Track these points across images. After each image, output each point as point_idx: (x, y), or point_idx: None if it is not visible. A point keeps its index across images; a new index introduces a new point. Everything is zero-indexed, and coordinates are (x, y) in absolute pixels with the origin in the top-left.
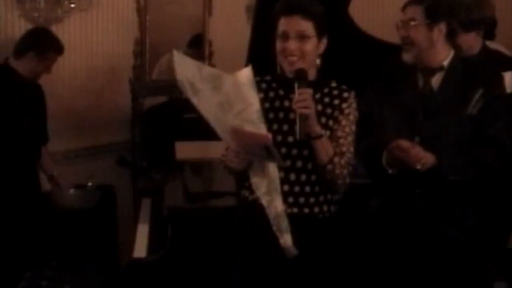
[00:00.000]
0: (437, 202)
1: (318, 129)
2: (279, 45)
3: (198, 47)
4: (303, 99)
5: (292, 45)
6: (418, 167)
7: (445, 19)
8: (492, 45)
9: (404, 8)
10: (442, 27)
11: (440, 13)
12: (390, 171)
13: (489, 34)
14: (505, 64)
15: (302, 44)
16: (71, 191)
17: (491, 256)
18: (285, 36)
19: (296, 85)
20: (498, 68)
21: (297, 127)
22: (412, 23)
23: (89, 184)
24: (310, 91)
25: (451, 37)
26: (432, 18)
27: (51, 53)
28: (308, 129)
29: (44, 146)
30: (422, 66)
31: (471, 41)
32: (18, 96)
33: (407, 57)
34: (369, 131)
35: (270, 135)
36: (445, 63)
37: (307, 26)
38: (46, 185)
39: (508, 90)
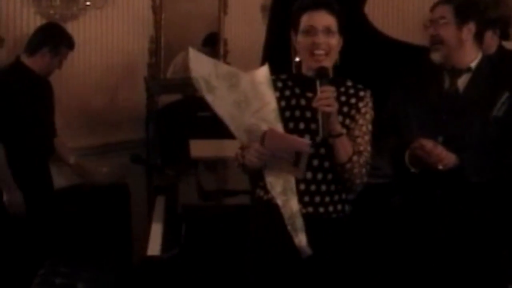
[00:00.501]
0: (459, 203)
1: (339, 128)
2: (304, 40)
3: (212, 45)
4: (326, 97)
5: (321, 39)
6: (440, 167)
7: (475, 19)
8: (508, 45)
9: (433, 8)
10: (471, 27)
11: (470, 13)
12: (412, 170)
13: (504, 34)
14: None
15: (329, 38)
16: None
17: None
18: (313, 31)
19: (318, 83)
20: None
21: (320, 125)
22: (442, 21)
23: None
24: (332, 89)
25: (479, 37)
26: (462, 17)
27: (64, 48)
28: (330, 127)
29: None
30: (449, 66)
31: (488, 40)
32: (31, 92)
33: (435, 56)
34: (394, 130)
35: (310, 142)
36: (473, 64)
37: (333, 21)
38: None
39: None
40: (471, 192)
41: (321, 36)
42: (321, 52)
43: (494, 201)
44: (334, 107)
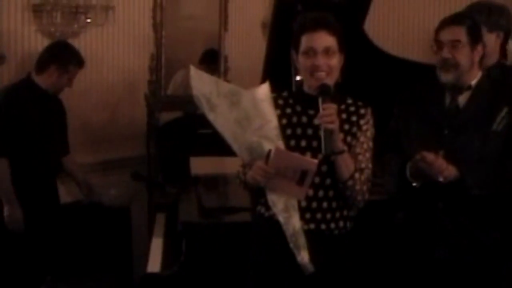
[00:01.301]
0: (460, 216)
1: (341, 145)
2: (305, 61)
3: (210, 62)
4: (328, 114)
5: (321, 60)
6: (441, 179)
7: (481, 41)
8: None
9: (441, 29)
10: (480, 48)
11: (479, 34)
12: (414, 184)
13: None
14: None
15: (329, 59)
16: (112, 191)
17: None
18: (313, 52)
19: (320, 100)
20: None
21: (322, 143)
22: (457, 45)
23: (112, 192)
24: (335, 106)
25: (482, 57)
26: (474, 39)
27: (72, 66)
28: (332, 145)
29: (65, 157)
30: (456, 86)
31: (492, 43)
32: (40, 109)
33: (448, 77)
34: (395, 146)
35: (317, 162)
36: (473, 82)
37: (333, 42)
38: (64, 197)
39: None
40: (472, 205)
41: (320, 58)
42: (322, 73)
43: (495, 214)
44: (337, 124)
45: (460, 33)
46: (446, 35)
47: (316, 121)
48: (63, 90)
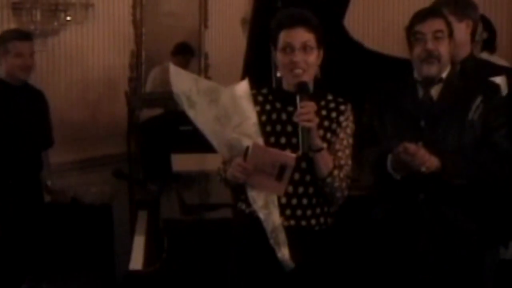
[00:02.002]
0: (442, 206)
1: (319, 142)
2: (283, 58)
3: (183, 54)
4: (306, 112)
5: (298, 57)
6: (423, 169)
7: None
8: (493, 58)
9: (420, 21)
10: (452, 41)
11: (452, 27)
12: (395, 176)
13: (490, 46)
14: (493, 71)
15: (307, 56)
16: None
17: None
18: (290, 48)
19: (298, 98)
20: (487, 74)
21: (300, 140)
22: (440, 35)
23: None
24: (312, 104)
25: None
26: (450, 31)
27: (10, 43)
28: (310, 142)
29: (44, 151)
30: (423, 78)
31: (462, 33)
32: (5, 102)
33: (431, 70)
34: (371, 142)
35: (295, 156)
36: (444, 75)
37: (310, 38)
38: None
39: (503, 93)
40: (453, 195)
41: (298, 54)
42: (299, 71)
43: (476, 203)
44: (314, 122)
45: (441, 24)
46: (429, 27)
47: (295, 119)
48: (27, 71)
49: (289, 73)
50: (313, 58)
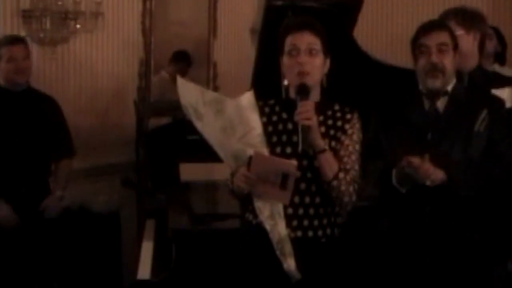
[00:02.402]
0: (448, 219)
1: (321, 143)
2: (287, 61)
3: (182, 62)
4: (305, 110)
5: (303, 58)
6: (428, 183)
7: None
8: (504, 70)
9: (425, 34)
10: (456, 54)
11: (457, 40)
12: (400, 190)
13: (501, 59)
14: (501, 83)
15: (312, 58)
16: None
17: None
18: (296, 50)
19: (298, 98)
20: (495, 86)
21: (300, 138)
22: (445, 48)
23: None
24: (311, 102)
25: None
26: (455, 44)
27: (4, 47)
28: (312, 143)
29: (64, 160)
30: (428, 91)
31: (470, 45)
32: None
33: (435, 83)
34: (376, 155)
35: (296, 163)
36: (449, 88)
37: (316, 42)
38: None
39: (508, 105)
40: (460, 207)
41: (303, 56)
42: (303, 72)
43: (483, 214)
44: (313, 121)
45: (446, 36)
46: (433, 39)
47: (295, 118)
48: (23, 74)
49: (294, 76)
50: (319, 62)
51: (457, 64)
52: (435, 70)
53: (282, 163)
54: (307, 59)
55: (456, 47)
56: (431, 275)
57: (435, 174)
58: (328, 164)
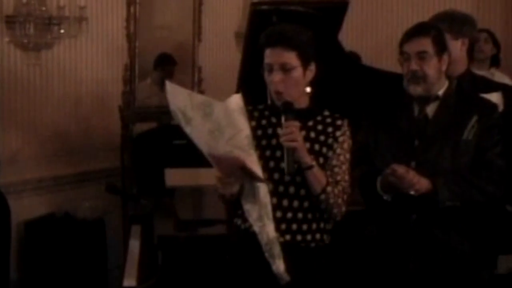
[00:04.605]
0: (433, 227)
1: (308, 160)
2: (266, 77)
3: (162, 66)
4: (289, 132)
5: (276, 77)
6: (412, 192)
7: (447, 50)
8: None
9: (407, 40)
10: (445, 57)
11: (445, 43)
12: (385, 197)
13: (495, 60)
14: (489, 88)
15: (286, 76)
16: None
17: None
18: (270, 68)
19: (283, 118)
20: (483, 91)
21: (285, 161)
22: (424, 56)
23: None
24: (296, 123)
25: (448, 67)
26: (440, 48)
27: None
28: (298, 161)
29: None
30: (417, 96)
31: (457, 50)
32: None
33: (416, 90)
34: (365, 160)
35: (236, 156)
36: (440, 92)
37: (290, 57)
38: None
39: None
40: (446, 216)
41: (276, 75)
42: (278, 90)
43: (468, 224)
44: (299, 142)
45: (427, 44)
46: (413, 47)
47: (280, 140)
48: None
49: (272, 92)
50: (295, 75)
51: (444, 67)
52: (415, 77)
53: (230, 159)
54: (281, 77)
55: (442, 50)
56: (414, 283)
57: (420, 184)
58: (316, 179)
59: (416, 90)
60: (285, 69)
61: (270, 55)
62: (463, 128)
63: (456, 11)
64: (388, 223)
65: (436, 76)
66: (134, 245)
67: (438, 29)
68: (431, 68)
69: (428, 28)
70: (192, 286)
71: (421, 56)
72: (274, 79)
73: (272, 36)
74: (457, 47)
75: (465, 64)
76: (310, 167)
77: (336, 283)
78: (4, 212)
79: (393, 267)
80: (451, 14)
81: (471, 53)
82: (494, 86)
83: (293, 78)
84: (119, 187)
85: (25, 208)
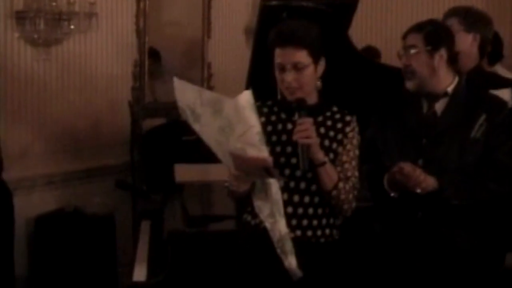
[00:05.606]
0: (439, 225)
1: (321, 157)
2: (277, 75)
3: (153, 60)
4: (304, 129)
5: (289, 76)
6: (418, 191)
7: (446, 45)
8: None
9: (404, 36)
10: (443, 53)
11: (440, 39)
12: (391, 194)
13: (497, 54)
14: (499, 84)
15: (299, 74)
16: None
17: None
18: (281, 68)
19: (296, 115)
20: (493, 87)
21: (300, 158)
22: (413, 50)
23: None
24: (310, 120)
25: (453, 62)
26: (432, 45)
27: None
28: (311, 157)
29: None
30: (425, 93)
31: (468, 44)
32: None
33: (409, 85)
34: (373, 156)
35: (269, 157)
36: (449, 89)
37: (302, 56)
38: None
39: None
40: (452, 214)
41: (289, 74)
42: (292, 89)
43: (475, 223)
44: (313, 139)
45: (416, 39)
46: (405, 42)
47: (294, 137)
48: None
49: (284, 90)
50: (307, 73)
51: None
52: (405, 72)
53: (256, 159)
54: (294, 75)
55: (435, 47)
56: (420, 280)
57: (426, 183)
58: (328, 176)
59: (409, 85)
60: (298, 68)
61: (281, 55)
62: (471, 126)
63: (474, 7)
64: (394, 220)
65: (426, 72)
66: (144, 240)
67: (436, 25)
68: (419, 64)
69: (424, 24)
70: (201, 282)
71: (410, 51)
72: (287, 79)
73: (282, 35)
74: (468, 40)
75: (475, 60)
76: (323, 163)
77: (346, 278)
78: (8, 208)
79: (399, 264)
80: (468, 8)
81: (483, 50)
82: (504, 83)
83: (306, 76)
84: (129, 183)
85: (35, 204)
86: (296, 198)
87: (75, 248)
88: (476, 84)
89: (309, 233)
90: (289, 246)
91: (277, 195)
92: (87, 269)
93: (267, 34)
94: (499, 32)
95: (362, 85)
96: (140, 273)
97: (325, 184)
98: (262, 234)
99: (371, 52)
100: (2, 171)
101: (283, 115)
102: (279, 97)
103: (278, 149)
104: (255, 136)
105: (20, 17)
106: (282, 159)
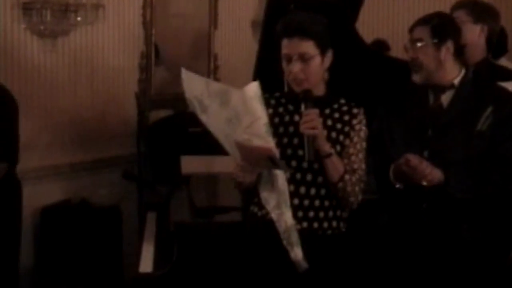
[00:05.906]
0: (444, 217)
1: (327, 148)
2: (284, 66)
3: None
4: (309, 120)
5: (296, 67)
6: (424, 183)
7: (452, 38)
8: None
9: (411, 30)
10: (449, 46)
11: (446, 32)
12: (397, 186)
13: (502, 48)
14: (507, 77)
15: (306, 65)
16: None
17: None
18: (288, 59)
19: (302, 106)
20: (501, 79)
21: (305, 149)
22: (419, 44)
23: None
24: (316, 111)
25: (459, 55)
26: (439, 37)
27: None
28: (317, 149)
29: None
30: (432, 85)
31: (475, 35)
32: None
33: (416, 78)
34: (380, 148)
35: (273, 147)
36: (456, 81)
37: (308, 47)
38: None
39: None
40: (457, 207)
41: (296, 64)
42: (298, 80)
43: (480, 216)
44: (319, 130)
45: (423, 32)
46: (412, 35)
47: (300, 129)
48: None
49: (291, 81)
50: (314, 64)
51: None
52: (413, 65)
53: (260, 149)
54: (301, 66)
55: (442, 40)
56: (425, 271)
57: (432, 175)
58: (334, 167)
59: (416, 78)
60: (304, 58)
61: (288, 46)
62: (477, 119)
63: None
64: (399, 211)
65: (434, 65)
66: (150, 231)
67: (443, 18)
68: (426, 56)
69: (430, 17)
70: (208, 273)
71: (417, 44)
72: (294, 69)
73: (289, 26)
74: (476, 32)
75: (483, 52)
76: (329, 155)
77: (352, 271)
78: (17, 200)
79: (404, 256)
80: (475, 0)
81: (491, 42)
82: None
83: (312, 67)
84: (135, 174)
85: (41, 195)
86: (302, 189)
87: (81, 239)
88: (484, 76)
89: (316, 225)
90: (295, 237)
91: (284, 186)
92: (93, 260)
93: (275, 26)
94: (505, 27)
95: (369, 77)
96: (146, 265)
97: (331, 175)
98: (268, 225)
99: (381, 45)
100: (17, 163)
101: (290, 107)
102: (286, 89)
103: (285, 140)
104: (262, 128)
105: (26, 8)
106: (289, 151)
